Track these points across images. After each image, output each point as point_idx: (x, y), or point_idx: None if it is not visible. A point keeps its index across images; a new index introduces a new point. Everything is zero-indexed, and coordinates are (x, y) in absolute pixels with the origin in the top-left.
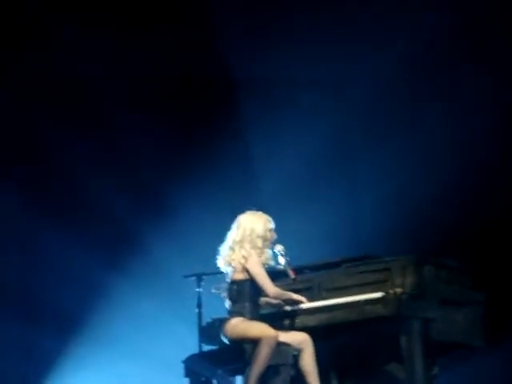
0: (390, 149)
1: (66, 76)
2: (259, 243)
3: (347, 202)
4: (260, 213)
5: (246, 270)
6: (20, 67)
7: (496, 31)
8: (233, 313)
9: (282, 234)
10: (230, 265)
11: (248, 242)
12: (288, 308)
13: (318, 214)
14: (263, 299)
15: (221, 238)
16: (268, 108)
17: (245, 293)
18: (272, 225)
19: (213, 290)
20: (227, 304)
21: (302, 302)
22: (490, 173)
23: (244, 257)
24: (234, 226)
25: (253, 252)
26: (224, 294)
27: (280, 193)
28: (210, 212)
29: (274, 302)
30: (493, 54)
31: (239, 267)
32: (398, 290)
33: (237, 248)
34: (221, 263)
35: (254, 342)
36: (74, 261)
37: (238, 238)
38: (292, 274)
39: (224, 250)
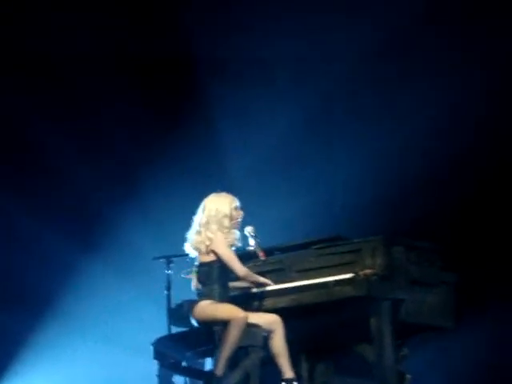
0: (363, 129)
1: (37, 55)
2: (226, 222)
3: (319, 183)
4: (224, 193)
5: (213, 252)
6: None
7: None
8: (202, 295)
9: (253, 215)
10: (197, 248)
11: (214, 223)
12: (258, 290)
13: (289, 195)
14: (231, 283)
15: (191, 221)
16: (238, 89)
17: (213, 275)
18: (237, 203)
19: (182, 275)
20: (193, 286)
21: (268, 285)
22: (462, 154)
23: (210, 238)
24: (200, 210)
25: (219, 233)
26: (193, 278)
27: (252, 175)
28: (181, 195)
29: (241, 285)
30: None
31: (206, 249)
32: (368, 271)
33: (203, 230)
34: (189, 248)
35: (224, 324)
36: (44, 243)
37: (203, 221)
38: (262, 256)
39: (191, 234)
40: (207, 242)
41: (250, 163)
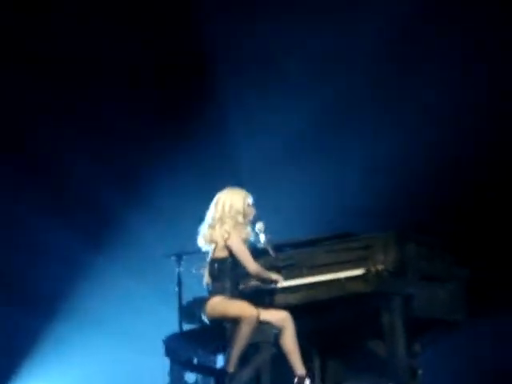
0: (374, 124)
1: (47, 56)
2: (240, 219)
3: (330, 178)
4: (238, 188)
5: (227, 248)
6: None
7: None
8: (213, 291)
9: (263, 210)
10: (211, 242)
11: (229, 219)
12: (269, 286)
13: (300, 189)
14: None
15: (200, 217)
16: (248, 83)
17: (226, 271)
18: (250, 200)
19: (194, 271)
20: (205, 282)
21: (279, 282)
22: (474, 149)
23: (227, 233)
24: (213, 204)
25: (234, 229)
26: (205, 273)
27: (261, 170)
28: (190, 191)
29: (252, 283)
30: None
31: (220, 245)
32: (379, 266)
33: (217, 225)
34: (201, 242)
35: (235, 321)
36: (54, 241)
37: (217, 215)
38: (273, 253)
39: (204, 228)
40: (225, 235)
41: (258, 159)
